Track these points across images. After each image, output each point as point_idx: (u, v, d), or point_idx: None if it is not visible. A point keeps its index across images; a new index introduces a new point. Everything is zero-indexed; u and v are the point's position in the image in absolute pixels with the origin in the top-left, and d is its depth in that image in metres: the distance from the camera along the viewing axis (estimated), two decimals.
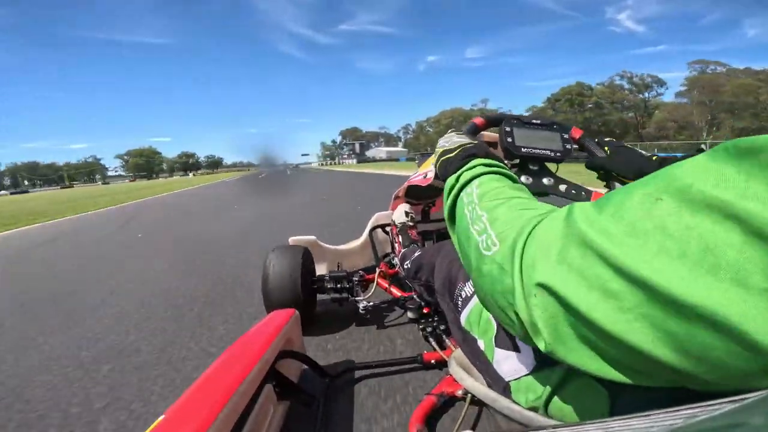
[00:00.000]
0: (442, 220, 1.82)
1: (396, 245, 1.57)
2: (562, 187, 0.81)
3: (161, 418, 0.65)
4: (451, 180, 0.54)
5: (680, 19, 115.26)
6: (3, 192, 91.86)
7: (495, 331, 0.63)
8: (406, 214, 1.60)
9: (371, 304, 1.50)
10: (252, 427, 0.79)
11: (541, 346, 0.34)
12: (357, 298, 1.52)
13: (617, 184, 0.81)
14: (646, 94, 55.86)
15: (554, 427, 0.49)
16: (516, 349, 0.57)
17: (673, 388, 0.30)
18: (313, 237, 1.76)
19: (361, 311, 1.48)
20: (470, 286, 0.75)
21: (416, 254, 1.20)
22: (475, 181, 0.50)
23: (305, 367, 1.14)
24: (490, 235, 0.39)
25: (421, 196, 1.70)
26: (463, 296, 0.75)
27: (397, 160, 55.74)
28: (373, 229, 1.91)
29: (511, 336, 0.59)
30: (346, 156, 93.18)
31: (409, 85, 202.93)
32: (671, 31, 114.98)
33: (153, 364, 1.41)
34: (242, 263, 2.73)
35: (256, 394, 0.82)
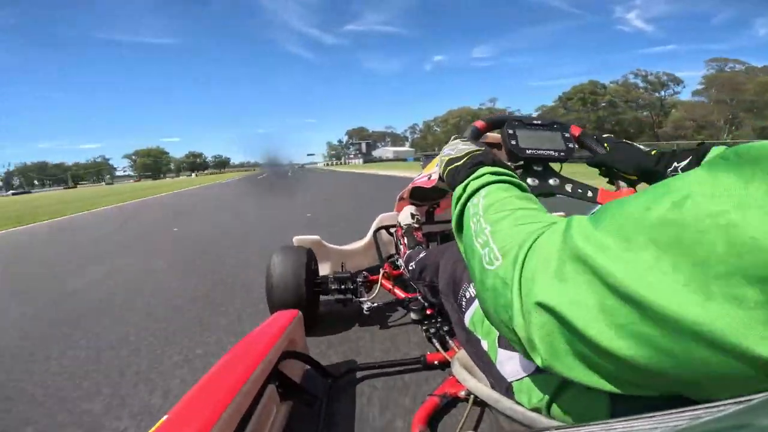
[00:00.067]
0: (447, 221, 1.83)
1: (401, 246, 1.57)
2: (568, 187, 0.81)
3: (164, 418, 0.65)
4: (458, 190, 0.53)
5: (690, 19, 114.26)
6: (4, 192, 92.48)
7: (498, 332, 0.63)
8: (412, 215, 1.61)
9: (375, 305, 1.50)
10: (255, 428, 0.79)
11: (538, 362, 0.34)
12: (361, 299, 1.52)
13: (621, 183, 0.81)
14: (662, 93, 54.34)
15: (557, 428, 0.48)
16: None
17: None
18: (317, 237, 1.76)
19: (365, 312, 1.48)
20: (474, 286, 0.75)
21: (421, 255, 1.20)
22: (482, 191, 0.49)
23: (308, 367, 1.14)
24: (493, 249, 0.39)
25: (426, 198, 1.70)
26: (468, 297, 0.75)
27: (404, 160, 54.51)
28: (378, 230, 1.91)
29: None
30: (352, 156, 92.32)
31: (416, 84, 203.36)
32: (681, 30, 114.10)
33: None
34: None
35: (259, 394, 0.82)
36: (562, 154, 0.81)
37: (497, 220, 0.42)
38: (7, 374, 1.44)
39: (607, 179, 0.85)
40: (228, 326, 1.71)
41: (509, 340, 0.38)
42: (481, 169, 0.53)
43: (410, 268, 1.25)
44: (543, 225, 0.38)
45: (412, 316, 1.28)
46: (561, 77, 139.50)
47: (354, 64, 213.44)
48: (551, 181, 0.81)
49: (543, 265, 0.33)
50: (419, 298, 1.30)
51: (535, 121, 0.84)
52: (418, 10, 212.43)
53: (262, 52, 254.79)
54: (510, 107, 76.86)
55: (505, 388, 0.59)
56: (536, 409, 0.51)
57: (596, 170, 0.85)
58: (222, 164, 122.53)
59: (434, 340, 1.21)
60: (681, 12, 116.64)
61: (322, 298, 1.59)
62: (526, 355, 0.35)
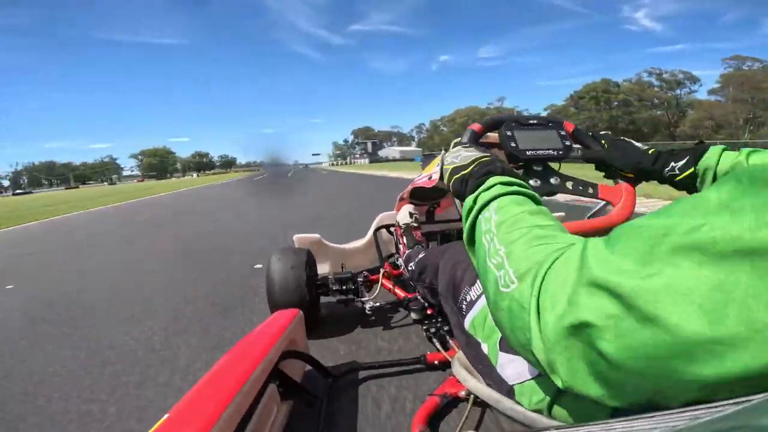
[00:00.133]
0: (447, 221, 1.83)
1: (401, 246, 1.57)
2: (569, 185, 0.81)
3: (165, 417, 0.66)
4: (468, 201, 0.51)
5: (699, 17, 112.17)
6: (4, 192, 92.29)
7: (500, 336, 0.62)
8: (411, 215, 1.61)
9: (376, 304, 1.50)
10: (255, 427, 0.79)
11: (558, 384, 0.34)
12: (362, 299, 1.52)
13: (620, 181, 0.81)
14: (679, 91, 52.55)
15: (557, 428, 0.49)
16: None
17: None
18: (317, 235, 1.77)
19: (367, 312, 1.48)
20: (475, 290, 0.74)
21: (420, 256, 1.20)
22: (493, 204, 0.47)
23: (309, 367, 1.14)
24: (508, 271, 0.39)
25: (426, 198, 1.69)
26: (468, 300, 0.75)
27: (411, 160, 52.54)
28: (378, 229, 1.91)
29: None
30: (358, 156, 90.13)
31: (422, 84, 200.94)
32: (690, 29, 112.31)
33: None
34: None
35: (259, 394, 0.82)
36: (560, 152, 0.81)
37: (512, 240, 0.41)
38: None
39: (604, 175, 0.85)
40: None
41: (528, 361, 0.38)
42: (491, 179, 0.52)
43: (410, 268, 1.25)
44: (559, 247, 0.37)
45: (413, 315, 1.28)
46: (568, 77, 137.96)
47: (360, 64, 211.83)
48: (552, 180, 0.81)
49: (560, 289, 0.33)
50: (419, 298, 1.30)
51: (531, 121, 0.84)
52: (424, 10, 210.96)
53: (269, 52, 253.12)
54: (518, 106, 75.77)
55: (506, 390, 0.59)
56: (537, 410, 0.51)
57: (587, 166, 0.85)
58: (228, 164, 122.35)
59: (434, 340, 1.21)
60: (690, 11, 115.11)
61: (323, 299, 1.59)
62: (547, 377, 0.36)
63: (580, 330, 0.30)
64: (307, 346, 1.19)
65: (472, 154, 0.60)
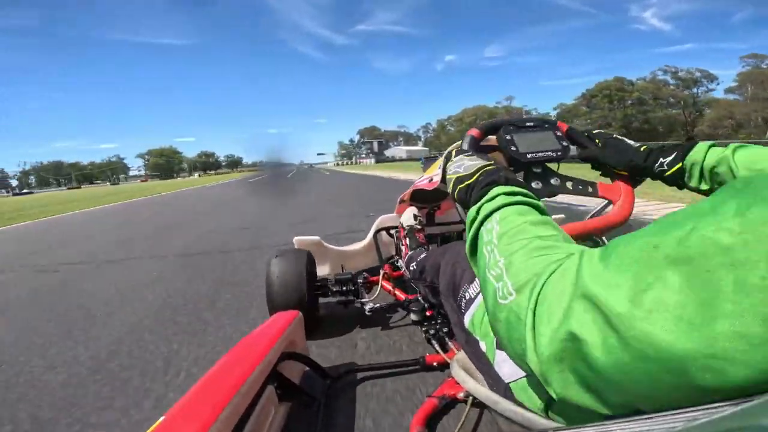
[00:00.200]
0: (447, 223, 1.83)
1: (402, 248, 1.57)
2: (569, 185, 0.82)
3: (162, 419, 0.65)
4: (471, 212, 0.51)
5: (709, 17, 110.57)
6: (4, 192, 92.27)
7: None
8: (415, 217, 1.61)
9: (376, 306, 1.50)
10: (253, 428, 0.79)
11: (553, 395, 0.34)
12: (362, 300, 1.52)
13: (618, 180, 0.82)
14: (696, 90, 51.55)
15: (555, 429, 0.48)
16: None
17: None
18: (317, 237, 1.77)
19: (367, 313, 1.48)
20: (474, 288, 0.75)
21: (422, 256, 1.21)
22: (496, 215, 0.47)
23: (307, 368, 1.14)
24: (506, 283, 0.39)
25: (427, 200, 1.70)
26: (467, 298, 0.75)
27: (418, 159, 52.09)
28: (378, 231, 1.92)
29: None
30: (364, 155, 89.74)
31: (428, 84, 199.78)
32: (699, 29, 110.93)
33: None
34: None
35: (257, 395, 0.82)
36: (559, 153, 0.82)
37: (512, 252, 0.41)
38: None
39: (600, 173, 0.86)
40: None
41: (526, 372, 0.38)
42: (494, 189, 0.51)
43: (411, 268, 1.25)
44: (558, 258, 0.37)
45: (412, 317, 1.28)
46: (575, 76, 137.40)
47: (364, 64, 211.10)
48: (553, 181, 0.82)
49: (556, 303, 0.33)
50: (419, 299, 1.30)
51: (527, 123, 0.85)
52: (429, 10, 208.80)
53: (274, 52, 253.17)
54: (526, 106, 74.96)
55: (503, 388, 0.59)
56: (534, 411, 0.51)
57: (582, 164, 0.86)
58: (234, 164, 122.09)
59: (434, 342, 1.21)
60: (699, 10, 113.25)
61: (322, 300, 1.59)
62: (543, 387, 0.36)
63: (573, 343, 0.31)
64: (307, 348, 1.19)
65: (476, 163, 0.60)
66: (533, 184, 0.81)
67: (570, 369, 0.32)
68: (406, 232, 1.58)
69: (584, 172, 0.89)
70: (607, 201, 0.83)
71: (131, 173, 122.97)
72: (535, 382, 0.52)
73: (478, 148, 0.82)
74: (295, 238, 1.73)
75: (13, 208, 15.54)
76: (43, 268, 3.43)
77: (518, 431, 0.54)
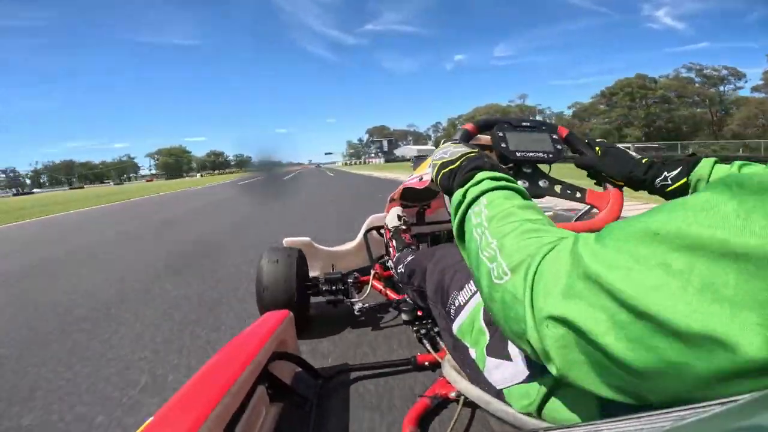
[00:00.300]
0: (437, 222, 1.83)
1: (390, 249, 1.57)
2: (557, 188, 0.82)
3: (150, 419, 0.64)
4: (457, 196, 0.51)
5: (724, 15, 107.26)
6: (5, 192, 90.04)
7: (487, 341, 0.63)
8: (399, 217, 1.60)
9: (366, 305, 1.49)
10: (244, 429, 0.78)
11: (553, 371, 0.35)
12: (352, 300, 1.52)
13: (609, 186, 0.82)
14: (723, 88, 49.21)
15: (546, 429, 0.49)
16: (508, 358, 0.58)
17: None
18: (307, 238, 1.76)
19: (356, 313, 1.48)
20: (463, 295, 0.74)
21: (409, 259, 1.20)
22: (483, 199, 0.48)
23: (299, 368, 1.13)
24: (501, 264, 0.39)
25: (417, 199, 1.70)
26: (456, 305, 0.75)
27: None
28: (368, 231, 1.91)
29: (503, 345, 0.59)
30: (373, 155, 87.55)
31: (437, 83, 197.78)
32: (714, 27, 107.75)
33: None
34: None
35: (248, 395, 0.81)
36: (550, 155, 0.82)
37: (504, 233, 0.42)
38: None
39: (594, 181, 0.86)
40: None
41: (524, 350, 0.39)
42: (479, 174, 0.52)
43: (399, 270, 1.25)
44: (550, 240, 0.38)
45: (403, 317, 1.28)
46: (589, 76, 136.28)
47: (374, 63, 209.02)
48: (541, 183, 0.82)
49: (553, 281, 0.34)
50: (408, 299, 1.30)
51: (524, 123, 0.86)
52: (437, 9, 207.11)
53: (283, 52, 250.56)
54: (540, 105, 73.84)
55: (494, 395, 0.59)
56: (526, 413, 0.52)
57: (579, 171, 0.86)
58: (243, 163, 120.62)
59: (425, 341, 1.21)
60: (713, 9, 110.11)
61: (313, 300, 1.58)
62: (541, 362, 0.36)
63: (574, 320, 0.31)
64: (297, 348, 1.18)
65: (461, 149, 0.60)
66: (520, 183, 0.81)
67: (572, 345, 0.32)
68: (391, 233, 1.57)
69: (587, 181, 0.89)
70: (591, 207, 0.83)
71: (141, 172, 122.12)
72: (526, 388, 0.52)
73: (469, 143, 0.82)
74: (285, 240, 1.72)
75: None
76: None
77: (510, 431, 0.55)
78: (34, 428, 1.12)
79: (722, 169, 0.66)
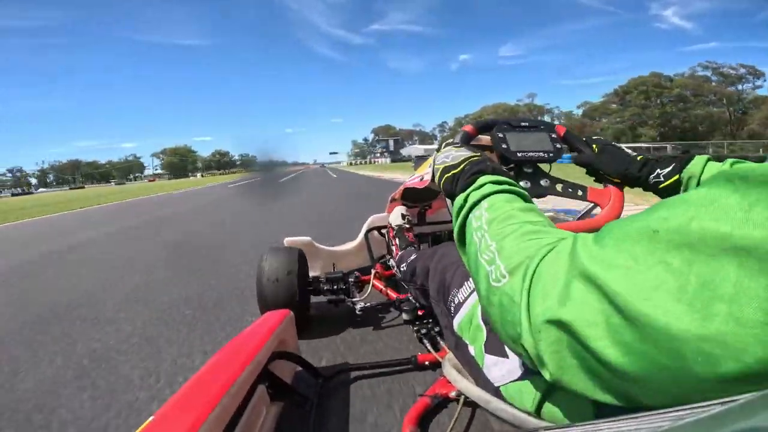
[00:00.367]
0: (438, 222, 1.83)
1: (393, 247, 1.57)
2: (559, 187, 0.83)
3: (151, 419, 0.64)
4: (459, 200, 0.51)
5: (732, 15, 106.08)
6: (5, 192, 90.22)
7: (485, 338, 0.63)
8: (403, 216, 1.61)
9: (367, 305, 1.49)
10: (244, 429, 0.78)
11: (546, 376, 0.34)
12: (353, 299, 1.52)
13: (609, 186, 0.82)
14: (740, 87, 48.01)
15: (545, 428, 0.49)
16: (505, 355, 0.58)
17: None
18: (308, 238, 1.76)
19: (357, 312, 1.48)
20: (463, 292, 0.75)
21: (412, 257, 1.20)
22: (484, 203, 0.48)
23: (299, 367, 1.13)
24: (499, 266, 0.39)
25: (418, 199, 1.70)
26: (456, 302, 0.75)
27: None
28: (369, 231, 1.91)
29: (500, 343, 0.59)
30: (378, 154, 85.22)
31: (443, 83, 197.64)
32: (722, 27, 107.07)
33: None
34: None
35: (248, 395, 0.81)
36: (551, 154, 0.82)
37: (503, 236, 0.41)
38: None
39: (594, 178, 0.86)
40: None
41: (519, 355, 0.38)
42: (481, 178, 0.52)
43: (401, 269, 1.25)
44: (549, 242, 0.38)
45: (404, 316, 1.28)
46: (597, 75, 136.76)
47: (380, 63, 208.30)
48: (542, 182, 0.82)
49: (551, 283, 0.33)
50: (410, 298, 1.30)
51: (522, 123, 0.86)
52: (443, 9, 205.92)
53: (290, 51, 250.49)
54: (548, 104, 73.91)
55: (493, 391, 0.59)
56: (524, 411, 0.52)
57: (578, 168, 0.86)
58: (248, 163, 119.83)
59: (425, 341, 1.21)
60: (722, 8, 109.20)
61: (314, 299, 1.58)
62: (535, 367, 0.36)
63: (569, 324, 0.31)
64: (298, 347, 1.18)
65: (463, 153, 0.60)
66: (522, 183, 0.81)
67: (565, 349, 0.32)
68: (395, 232, 1.57)
69: (587, 180, 0.89)
70: (594, 205, 0.83)
71: (147, 172, 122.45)
72: (524, 386, 0.53)
73: (469, 144, 0.82)
74: (286, 239, 1.72)
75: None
76: None
77: (510, 430, 0.55)
78: None
79: (714, 167, 0.66)
